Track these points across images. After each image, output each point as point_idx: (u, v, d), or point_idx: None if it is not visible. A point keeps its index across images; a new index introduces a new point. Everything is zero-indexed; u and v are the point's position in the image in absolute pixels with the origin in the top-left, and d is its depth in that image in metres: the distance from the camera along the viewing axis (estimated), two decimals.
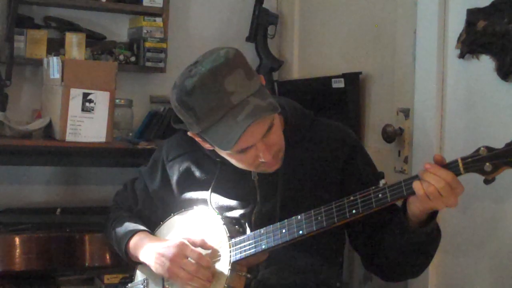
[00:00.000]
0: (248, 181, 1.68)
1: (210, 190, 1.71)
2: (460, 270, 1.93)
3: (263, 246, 1.56)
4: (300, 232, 1.53)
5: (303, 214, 1.54)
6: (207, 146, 1.64)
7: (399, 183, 1.46)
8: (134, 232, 1.79)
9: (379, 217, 1.60)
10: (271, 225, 1.57)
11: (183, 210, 1.76)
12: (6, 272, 2.24)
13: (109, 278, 2.35)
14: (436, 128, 2.00)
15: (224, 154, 1.61)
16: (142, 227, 1.81)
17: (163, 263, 1.63)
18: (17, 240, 2.23)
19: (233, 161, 1.62)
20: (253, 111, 1.47)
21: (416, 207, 1.47)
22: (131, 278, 1.88)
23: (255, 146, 1.54)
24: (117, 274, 2.34)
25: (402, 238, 1.54)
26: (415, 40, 2.10)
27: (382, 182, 1.48)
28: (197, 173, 1.76)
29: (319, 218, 1.51)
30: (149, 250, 1.70)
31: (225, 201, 1.70)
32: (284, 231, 1.55)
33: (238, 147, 1.52)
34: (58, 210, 2.59)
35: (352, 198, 1.49)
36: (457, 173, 1.40)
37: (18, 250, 2.22)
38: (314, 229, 1.51)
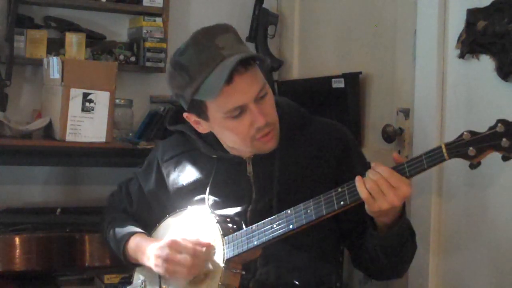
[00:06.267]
0: (244, 178, 1.69)
1: (208, 189, 1.71)
2: (460, 268, 1.93)
3: (255, 242, 1.57)
4: (291, 226, 1.52)
5: (292, 208, 1.54)
6: (201, 128, 1.67)
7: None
8: (130, 235, 1.80)
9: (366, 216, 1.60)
10: (262, 221, 1.58)
11: (177, 211, 1.76)
12: (6, 272, 2.24)
13: (109, 278, 2.35)
14: (436, 128, 2.00)
15: (217, 125, 1.62)
16: (138, 229, 1.82)
17: (161, 264, 1.64)
18: (17, 240, 2.22)
19: (228, 135, 1.63)
20: (241, 54, 1.54)
21: (370, 213, 1.48)
22: (130, 278, 1.88)
23: (249, 110, 1.56)
24: (117, 274, 2.34)
25: (373, 242, 1.57)
26: (415, 40, 2.10)
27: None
28: (193, 172, 1.76)
29: (308, 211, 1.51)
30: (148, 253, 1.71)
31: (221, 199, 1.70)
32: (274, 226, 1.55)
33: (230, 98, 1.54)
34: (58, 210, 2.59)
35: (340, 189, 1.49)
36: (442, 159, 1.38)
37: (18, 250, 2.22)
38: (304, 223, 1.51)
